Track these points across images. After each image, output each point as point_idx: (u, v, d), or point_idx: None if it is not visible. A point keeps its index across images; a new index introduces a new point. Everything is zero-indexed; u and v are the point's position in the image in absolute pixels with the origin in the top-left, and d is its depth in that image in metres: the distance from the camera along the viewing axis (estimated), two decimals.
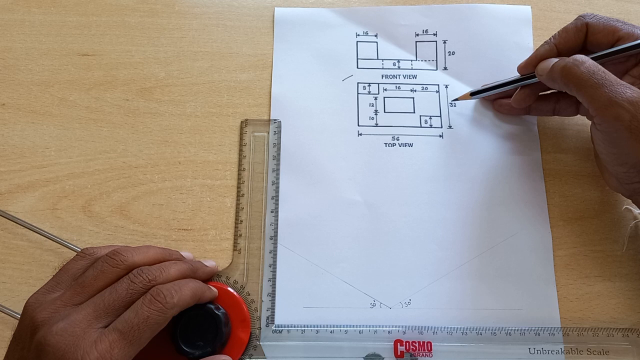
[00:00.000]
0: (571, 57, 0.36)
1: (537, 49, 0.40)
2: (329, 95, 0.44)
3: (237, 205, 0.41)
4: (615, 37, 0.38)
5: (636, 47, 0.37)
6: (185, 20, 0.47)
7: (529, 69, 0.40)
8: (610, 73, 0.35)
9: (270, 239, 0.40)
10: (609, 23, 0.38)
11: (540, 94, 0.43)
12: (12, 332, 0.32)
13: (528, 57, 0.40)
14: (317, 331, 0.38)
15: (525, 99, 0.41)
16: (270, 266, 0.39)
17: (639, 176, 0.35)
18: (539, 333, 0.38)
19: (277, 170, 0.42)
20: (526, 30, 0.46)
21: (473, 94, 0.43)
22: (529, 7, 0.47)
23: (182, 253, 0.38)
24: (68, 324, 0.29)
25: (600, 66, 0.35)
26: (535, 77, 0.39)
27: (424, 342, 0.37)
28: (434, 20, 0.46)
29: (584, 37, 0.39)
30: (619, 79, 0.34)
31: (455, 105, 0.44)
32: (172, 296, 0.31)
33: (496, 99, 0.43)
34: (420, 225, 0.41)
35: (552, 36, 0.39)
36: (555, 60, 0.37)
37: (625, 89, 0.33)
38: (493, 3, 0.47)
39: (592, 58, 0.36)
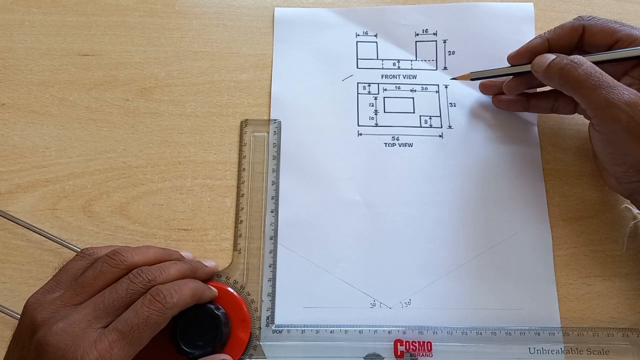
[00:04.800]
0: (569, 57, 0.36)
1: (529, 41, 0.40)
2: (329, 95, 0.44)
3: (237, 205, 0.41)
4: (613, 38, 0.38)
5: (635, 55, 0.37)
6: (185, 20, 0.47)
7: (518, 59, 0.41)
8: (607, 75, 0.35)
9: (270, 239, 0.40)
10: (607, 25, 0.38)
11: (539, 90, 0.43)
12: (12, 332, 0.32)
13: (519, 47, 0.40)
14: (317, 331, 0.38)
15: (517, 86, 0.41)
16: (270, 266, 0.39)
17: (637, 175, 0.35)
18: (539, 333, 0.38)
19: (277, 170, 0.42)
20: (528, 28, 0.46)
21: (473, 78, 0.43)
22: (532, 4, 0.47)
23: (182, 253, 0.38)
24: (68, 323, 0.29)
25: (597, 68, 0.35)
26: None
27: (424, 342, 0.37)
28: (434, 20, 0.46)
29: (579, 37, 0.39)
30: (616, 81, 0.35)
31: (454, 104, 0.44)
32: (172, 296, 0.31)
33: (496, 94, 0.43)
34: (420, 225, 0.41)
35: (547, 31, 0.40)
36: (552, 56, 0.37)
37: (622, 91, 0.34)
38: (494, 1, 0.47)
39: (591, 61, 0.36)
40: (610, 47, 0.38)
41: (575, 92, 0.36)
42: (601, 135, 0.35)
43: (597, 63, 0.36)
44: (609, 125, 0.34)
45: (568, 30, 0.39)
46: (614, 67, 0.38)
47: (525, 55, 0.40)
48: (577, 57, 0.36)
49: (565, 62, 0.36)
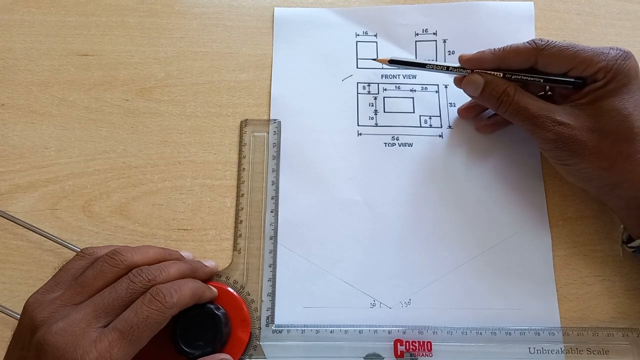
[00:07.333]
0: (502, 87, 0.38)
1: (483, 52, 0.39)
2: (329, 95, 0.44)
3: (237, 205, 0.41)
4: (568, 65, 0.37)
5: (568, 81, 0.38)
6: (185, 20, 0.47)
7: (469, 63, 0.40)
8: (539, 101, 0.37)
9: (270, 239, 0.40)
10: (562, 51, 0.37)
11: None
12: (12, 332, 0.32)
13: (473, 53, 0.40)
14: (317, 331, 0.38)
15: (474, 110, 0.43)
16: (270, 266, 0.39)
17: (607, 187, 0.37)
18: (539, 333, 0.38)
19: (277, 170, 0.42)
20: (529, 27, 0.46)
21: (392, 61, 0.41)
22: (532, 3, 0.47)
23: (182, 253, 0.38)
24: (67, 323, 0.29)
25: (528, 96, 0.37)
26: (461, 70, 0.40)
27: (424, 342, 0.37)
28: (433, 19, 0.46)
29: (531, 63, 0.38)
30: (545, 107, 0.37)
31: (454, 104, 0.44)
32: (172, 296, 0.31)
33: (482, 124, 0.43)
34: (420, 225, 0.41)
35: (503, 48, 0.39)
36: (481, 82, 0.39)
37: (553, 117, 0.36)
38: (494, 0, 0.47)
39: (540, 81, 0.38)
40: (565, 73, 0.38)
41: (517, 123, 0.39)
42: (549, 155, 0.38)
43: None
44: (549, 149, 0.37)
45: (523, 54, 0.38)
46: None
47: (474, 63, 0.39)
48: (508, 88, 0.38)
49: (500, 95, 0.38)
